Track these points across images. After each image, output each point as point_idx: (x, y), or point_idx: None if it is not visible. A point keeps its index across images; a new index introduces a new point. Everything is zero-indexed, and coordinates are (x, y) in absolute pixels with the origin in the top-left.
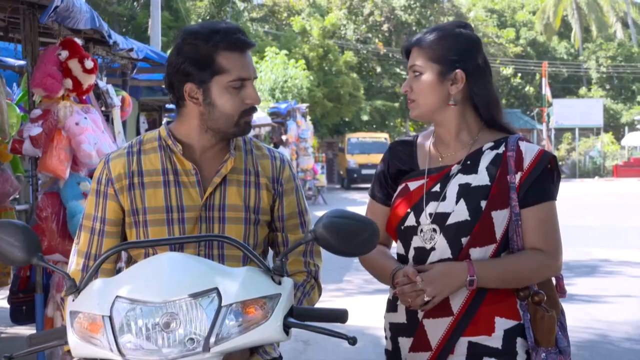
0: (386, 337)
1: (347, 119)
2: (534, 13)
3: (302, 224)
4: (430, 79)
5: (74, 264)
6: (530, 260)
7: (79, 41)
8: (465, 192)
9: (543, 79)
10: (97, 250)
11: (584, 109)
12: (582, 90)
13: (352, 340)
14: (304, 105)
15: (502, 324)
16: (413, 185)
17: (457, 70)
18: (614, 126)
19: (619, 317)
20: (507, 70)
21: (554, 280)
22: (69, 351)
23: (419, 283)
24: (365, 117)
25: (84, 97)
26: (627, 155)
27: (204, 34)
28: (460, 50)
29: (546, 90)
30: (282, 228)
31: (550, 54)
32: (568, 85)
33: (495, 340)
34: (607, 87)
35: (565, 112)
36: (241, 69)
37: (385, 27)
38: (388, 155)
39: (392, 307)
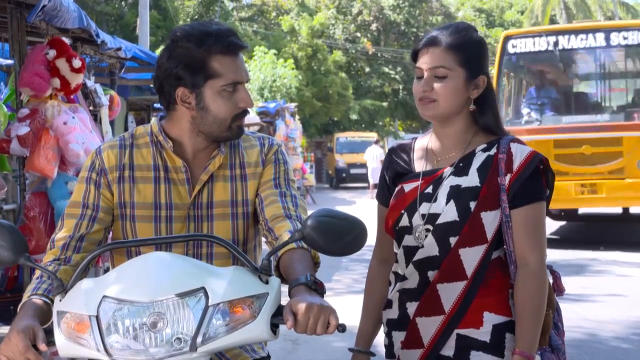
0: (384, 333)
1: (335, 119)
2: (522, 13)
3: (282, 197)
4: (457, 82)
5: (56, 241)
6: (529, 294)
7: (66, 40)
8: (455, 193)
9: None
10: (86, 231)
11: None
12: None
13: (342, 328)
14: (292, 105)
15: (491, 319)
16: (408, 187)
17: (482, 76)
18: None
19: (606, 316)
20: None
21: (550, 278)
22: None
23: None
24: (354, 117)
25: (71, 97)
26: None
27: (196, 36)
28: (482, 55)
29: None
30: (261, 201)
31: None
32: None
33: (483, 334)
34: None
35: None
36: (235, 72)
37: (373, 26)
38: (387, 159)
39: (388, 304)
